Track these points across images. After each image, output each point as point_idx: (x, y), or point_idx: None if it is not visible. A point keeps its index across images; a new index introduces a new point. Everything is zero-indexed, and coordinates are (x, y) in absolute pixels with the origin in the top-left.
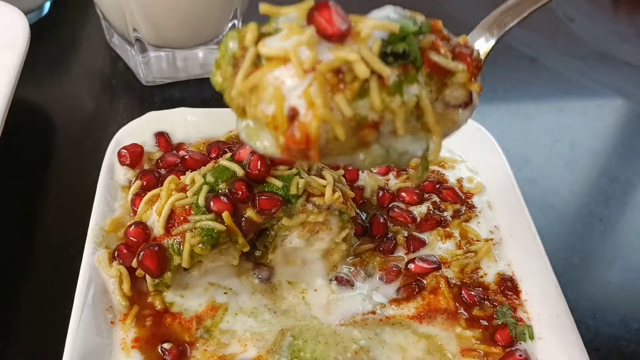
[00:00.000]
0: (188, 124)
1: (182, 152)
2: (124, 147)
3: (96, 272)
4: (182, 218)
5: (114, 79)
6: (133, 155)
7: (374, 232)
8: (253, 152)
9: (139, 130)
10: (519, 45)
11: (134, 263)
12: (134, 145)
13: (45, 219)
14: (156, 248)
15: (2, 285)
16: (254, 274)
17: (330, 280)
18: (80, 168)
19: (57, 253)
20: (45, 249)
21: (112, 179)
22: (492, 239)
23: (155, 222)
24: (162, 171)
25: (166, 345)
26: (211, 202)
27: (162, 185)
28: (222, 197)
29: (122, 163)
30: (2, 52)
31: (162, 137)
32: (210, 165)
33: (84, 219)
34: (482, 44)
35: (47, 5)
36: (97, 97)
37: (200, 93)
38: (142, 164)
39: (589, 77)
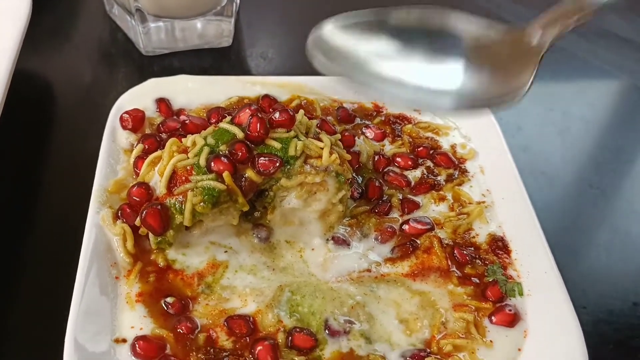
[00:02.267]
0: (188, 91)
1: (182, 117)
2: (126, 112)
3: (100, 230)
4: (183, 178)
5: (113, 49)
6: (135, 120)
7: (370, 195)
8: (252, 115)
9: (140, 96)
10: (513, 17)
11: (137, 221)
12: (136, 110)
13: (49, 182)
14: (159, 207)
15: (9, 245)
16: (253, 233)
17: (327, 240)
18: (81, 134)
19: (62, 214)
20: (50, 210)
21: (115, 142)
22: (484, 202)
23: (158, 182)
24: (163, 135)
25: (169, 300)
26: (212, 163)
27: (163, 148)
28: (222, 158)
29: (124, 127)
30: (4, 23)
31: (162, 103)
32: (210, 128)
33: (87, 181)
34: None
35: None
36: (97, 67)
37: (198, 62)
38: (143, 128)
39: (582, 48)
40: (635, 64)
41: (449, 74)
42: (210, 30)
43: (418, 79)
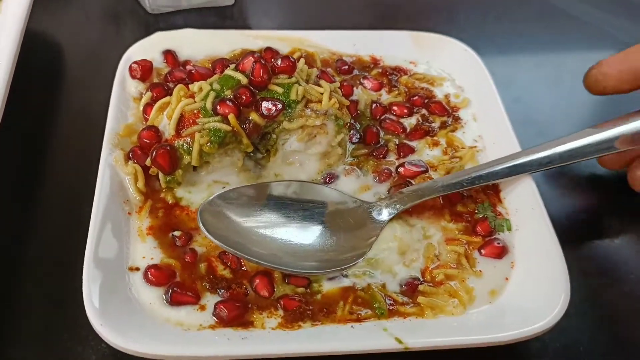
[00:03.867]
0: (194, 43)
1: (188, 67)
2: (135, 62)
3: (113, 170)
4: (191, 121)
5: (119, 7)
6: (143, 69)
7: (368, 140)
8: (256, 62)
9: (148, 48)
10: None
11: (148, 162)
12: (144, 60)
13: (64, 128)
14: (168, 148)
15: (31, 183)
16: (252, 171)
17: (322, 177)
18: (92, 85)
19: (77, 156)
20: (65, 152)
21: (124, 90)
22: (475, 147)
23: (167, 126)
24: (171, 84)
25: (176, 233)
26: (218, 106)
27: (171, 96)
28: (227, 102)
29: (133, 77)
30: None
31: (169, 55)
32: (216, 76)
33: (99, 127)
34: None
35: None
36: (104, 25)
37: (202, 20)
38: (151, 78)
39: (577, 9)
40: (628, 22)
41: (315, 238)
42: None
43: (292, 246)
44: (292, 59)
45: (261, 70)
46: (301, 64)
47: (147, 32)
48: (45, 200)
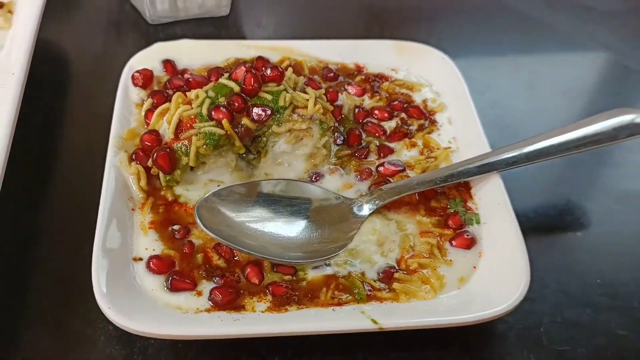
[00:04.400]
0: (191, 53)
1: (186, 76)
2: (137, 71)
3: (118, 171)
4: (188, 125)
5: (121, 18)
6: (145, 78)
7: (351, 142)
8: (247, 71)
9: (148, 58)
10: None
11: (150, 162)
12: (145, 69)
13: (70, 132)
14: (168, 150)
15: (41, 182)
16: (244, 170)
17: (309, 176)
18: (96, 92)
19: (84, 157)
20: (72, 154)
21: (127, 97)
22: (450, 147)
23: (166, 130)
24: (170, 92)
25: (175, 227)
26: (212, 112)
27: (170, 102)
28: (221, 108)
29: (135, 84)
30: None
31: (168, 64)
32: (211, 84)
33: (103, 131)
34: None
35: None
36: (107, 34)
37: (199, 30)
38: (152, 85)
39: (560, 22)
40: (599, 30)
41: (300, 231)
42: (210, 1)
43: (280, 238)
44: (280, 69)
45: (252, 79)
46: (289, 72)
47: (148, 42)
48: (56, 197)
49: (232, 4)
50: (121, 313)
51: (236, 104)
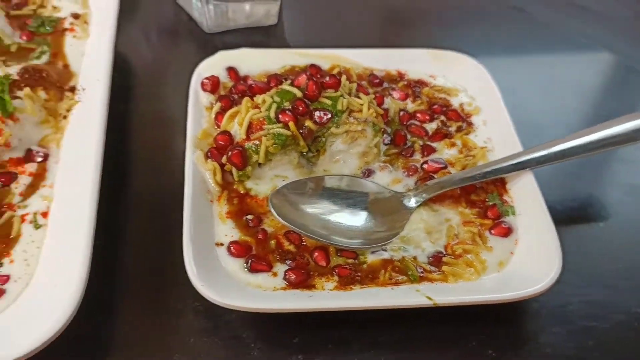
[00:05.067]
0: (250, 61)
1: (249, 82)
2: (206, 78)
3: (196, 167)
4: (258, 127)
5: (180, 28)
6: (212, 84)
7: (397, 142)
8: (309, 79)
9: (212, 66)
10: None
11: (224, 160)
12: (213, 76)
13: (141, 134)
14: (240, 149)
15: (129, 180)
16: (305, 167)
17: (362, 172)
18: (163, 96)
19: (163, 156)
20: (154, 154)
21: (198, 101)
22: (486, 147)
23: (237, 130)
24: (235, 96)
25: (249, 216)
26: (279, 115)
27: (236, 105)
28: (287, 112)
29: (204, 90)
30: (102, 17)
31: (232, 71)
32: (274, 90)
33: (177, 132)
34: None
35: None
36: (167, 42)
37: (250, 38)
38: (219, 90)
39: (571, 26)
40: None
41: (360, 221)
42: (260, 11)
43: (342, 227)
44: (337, 77)
45: (313, 86)
46: (343, 80)
47: (205, 48)
48: (145, 191)
49: (278, 14)
50: (212, 290)
51: (300, 108)
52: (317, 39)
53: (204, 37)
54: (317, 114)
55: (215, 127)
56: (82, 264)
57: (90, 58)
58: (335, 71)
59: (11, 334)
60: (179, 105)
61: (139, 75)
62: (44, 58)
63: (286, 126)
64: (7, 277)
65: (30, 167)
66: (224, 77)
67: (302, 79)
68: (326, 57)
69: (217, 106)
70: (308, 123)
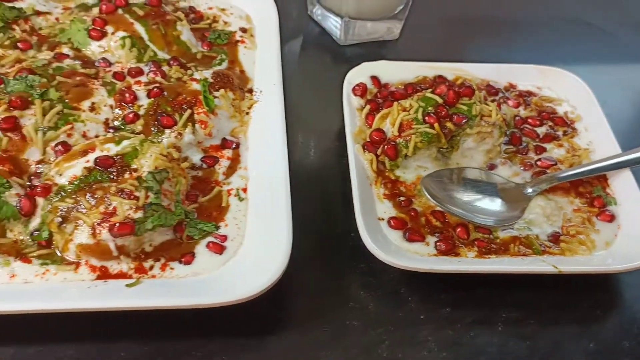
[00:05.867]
0: (388, 70)
1: (390, 88)
2: (357, 84)
3: (357, 157)
4: (408, 126)
5: (317, 41)
6: (362, 89)
7: (514, 142)
8: (449, 88)
9: (357, 74)
10: (594, 20)
11: (379, 151)
12: (361, 83)
13: (299, 129)
14: (393, 143)
15: (303, 170)
16: (441, 160)
17: (486, 166)
18: (318, 100)
19: (330, 147)
20: (320, 147)
21: (350, 104)
22: (588, 149)
23: (389, 129)
24: (380, 100)
25: (401, 198)
26: (425, 117)
27: (384, 108)
28: (431, 114)
29: (355, 94)
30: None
31: (375, 79)
32: (417, 96)
33: (333, 129)
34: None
35: None
36: (312, 53)
37: (374, 50)
38: (366, 95)
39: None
40: None
41: (492, 204)
42: (384, 27)
43: (478, 208)
44: (472, 87)
45: (453, 95)
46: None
47: (340, 59)
48: (313, 177)
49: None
50: (383, 252)
51: (442, 112)
52: (438, 53)
53: (337, 49)
54: (455, 117)
55: (366, 125)
56: (287, 230)
57: (262, 65)
58: (459, 82)
59: (235, 281)
60: (333, 109)
61: (297, 86)
62: (224, 65)
63: (431, 126)
64: (225, 237)
65: (227, 153)
66: (369, 84)
67: (443, 88)
68: (449, 70)
69: (366, 108)
70: (449, 124)
